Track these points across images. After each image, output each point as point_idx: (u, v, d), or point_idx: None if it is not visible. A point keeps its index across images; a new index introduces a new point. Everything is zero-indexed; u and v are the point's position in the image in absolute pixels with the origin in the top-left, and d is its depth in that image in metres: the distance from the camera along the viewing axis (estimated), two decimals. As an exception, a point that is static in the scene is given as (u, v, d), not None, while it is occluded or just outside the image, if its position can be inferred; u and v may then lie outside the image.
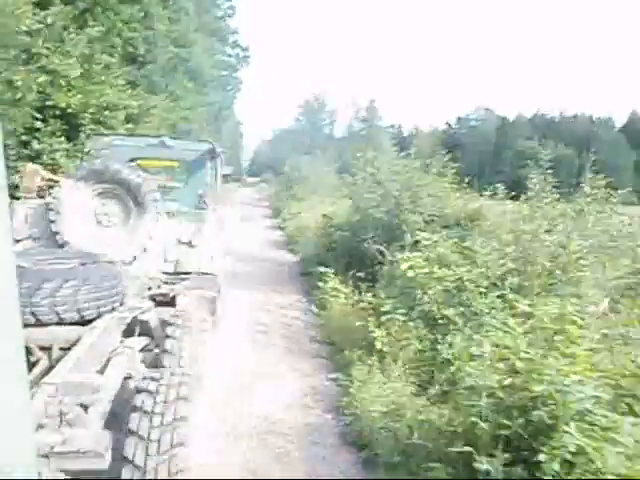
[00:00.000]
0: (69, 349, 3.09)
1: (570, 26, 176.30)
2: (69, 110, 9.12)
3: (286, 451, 3.73)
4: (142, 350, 3.51)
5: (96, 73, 9.94)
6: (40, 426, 2.31)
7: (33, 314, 3.15)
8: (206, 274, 4.90)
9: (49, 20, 6.73)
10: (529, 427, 2.47)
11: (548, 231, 5.96)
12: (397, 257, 5.67)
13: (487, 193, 8.02)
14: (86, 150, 6.34)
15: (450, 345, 4.18)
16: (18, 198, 5.15)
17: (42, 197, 5.18)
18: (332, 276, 7.30)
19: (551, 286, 5.52)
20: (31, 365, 3.03)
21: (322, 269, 7.54)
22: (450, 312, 4.68)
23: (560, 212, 6.86)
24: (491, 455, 2.50)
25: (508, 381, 2.66)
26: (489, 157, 79.10)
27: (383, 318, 5.07)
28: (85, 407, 2.51)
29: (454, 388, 3.33)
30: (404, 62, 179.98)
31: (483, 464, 2.46)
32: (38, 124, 8.67)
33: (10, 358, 0.95)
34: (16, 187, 5.67)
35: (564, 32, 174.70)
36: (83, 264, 3.63)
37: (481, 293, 4.86)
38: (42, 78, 6.77)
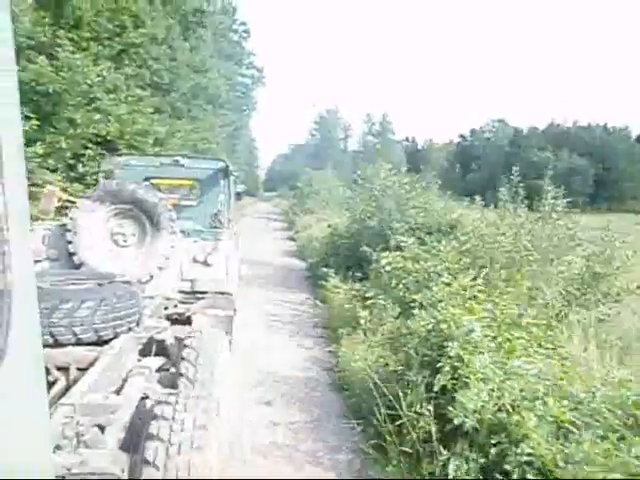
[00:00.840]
0: (86, 369, 3.11)
1: (585, 35, 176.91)
2: (108, 137, 10.80)
3: (290, 392, 5.20)
4: (158, 370, 3.51)
5: (130, 104, 11.62)
6: (57, 447, 2.32)
7: (51, 334, 3.19)
8: (222, 293, 4.98)
9: (104, 73, 8.37)
10: (441, 354, 3.90)
11: (503, 234, 7.39)
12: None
13: (465, 203, 9.46)
14: (101, 170, 6.46)
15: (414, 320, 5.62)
16: (36, 219, 5.33)
17: (59, 219, 5.36)
18: (333, 275, 8.76)
19: (508, 279, 6.95)
20: (49, 385, 3.04)
21: (325, 270, 9.02)
22: (418, 297, 6.10)
23: (522, 220, 8.27)
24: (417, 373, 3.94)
25: (430, 326, 4.11)
26: (502, 168, 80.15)
27: (367, 302, 6.53)
28: (102, 428, 2.54)
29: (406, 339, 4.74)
30: (419, 75, 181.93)
31: (412, 376, 3.91)
32: (82, 151, 10.33)
33: (30, 378, 0.96)
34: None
35: (579, 41, 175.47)
36: (100, 284, 3.68)
37: (444, 283, 6.28)
38: (97, 116, 8.40)
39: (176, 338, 3.75)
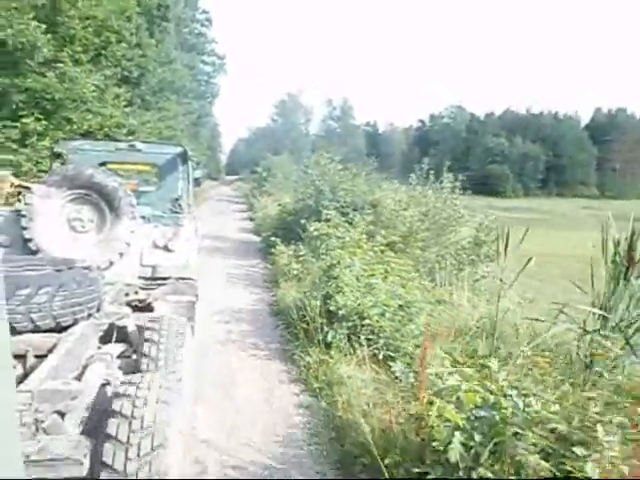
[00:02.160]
0: (45, 357, 3.08)
1: (541, 23, 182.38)
2: (87, 130, 12.92)
3: (242, 317, 7.67)
4: (119, 356, 3.51)
5: (106, 100, 13.72)
6: None
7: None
8: (184, 279, 5.00)
9: (97, 82, 10.55)
10: (331, 277, 6.42)
11: (405, 209, 10.00)
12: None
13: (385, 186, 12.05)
14: (56, 154, 6.31)
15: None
16: None
17: (11, 204, 5.33)
18: (279, 244, 11.23)
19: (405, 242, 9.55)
20: None
21: (274, 239, 11.49)
22: (336, 253, 8.63)
23: (426, 199, 10.87)
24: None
25: (327, 264, 6.65)
26: (459, 154, 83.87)
27: (300, 259, 9.04)
28: (62, 414, 2.54)
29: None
30: (381, 59, 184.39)
31: (315, 294, 6.44)
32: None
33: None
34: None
35: (536, 29, 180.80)
36: (58, 270, 3.63)
37: (338, 237, 8.76)
38: (89, 116, 10.57)
39: (137, 325, 3.76)
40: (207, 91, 37.05)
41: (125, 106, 15.18)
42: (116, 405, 2.39)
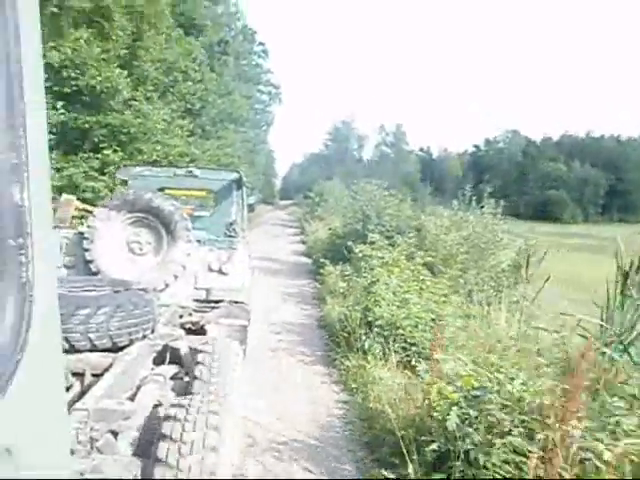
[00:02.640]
0: (101, 375, 3.16)
1: (599, 44, 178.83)
2: (155, 159, 14.26)
3: (292, 329, 8.53)
4: (172, 378, 3.57)
5: (172, 132, 15.10)
6: (71, 452, 2.31)
7: (67, 340, 3.25)
8: (237, 302, 5.11)
9: (165, 116, 11.88)
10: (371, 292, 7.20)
11: (445, 234, 10.68)
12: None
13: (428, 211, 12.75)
14: (117, 181, 6.42)
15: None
16: (53, 227, 5.31)
17: (75, 227, 5.58)
18: (328, 264, 12.08)
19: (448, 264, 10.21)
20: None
21: (323, 260, 12.35)
22: (376, 272, 9.38)
23: (466, 224, 11.50)
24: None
25: (368, 281, 7.44)
26: (515, 178, 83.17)
27: (346, 278, 9.85)
28: (115, 434, 2.62)
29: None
30: (436, 85, 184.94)
31: (356, 308, 7.23)
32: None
33: (52, 383, 1.01)
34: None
35: (593, 50, 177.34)
36: (116, 291, 3.77)
37: (397, 266, 9.54)
38: (158, 147, 11.87)
39: (190, 347, 3.81)
40: (262, 119, 38.91)
41: (188, 136, 16.58)
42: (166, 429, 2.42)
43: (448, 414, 3.40)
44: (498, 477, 3.13)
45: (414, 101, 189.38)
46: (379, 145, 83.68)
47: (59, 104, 8.35)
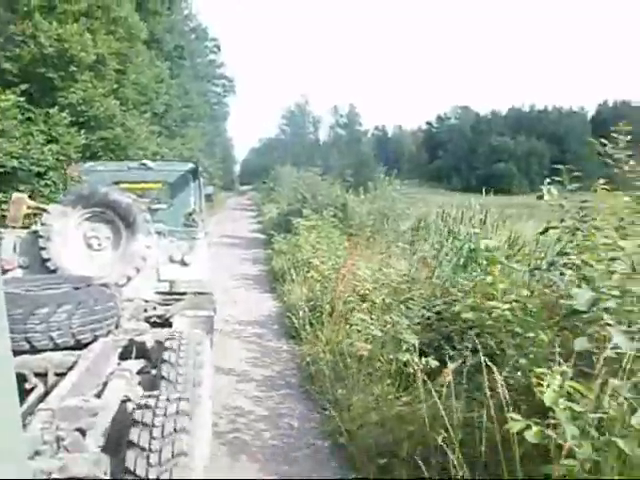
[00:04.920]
0: (65, 374, 3.19)
1: (542, 18, 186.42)
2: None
3: (247, 276, 12.79)
4: (139, 372, 3.58)
5: (147, 138, 18.92)
6: (37, 453, 2.38)
7: (27, 340, 3.26)
8: (202, 293, 5.20)
9: (144, 128, 15.90)
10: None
11: (359, 208, 15.04)
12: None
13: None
14: (70, 177, 6.62)
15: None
16: (5, 227, 5.43)
17: (27, 227, 5.49)
18: (276, 235, 16.32)
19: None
20: (27, 392, 3.18)
21: (272, 232, 16.60)
22: (311, 239, 13.63)
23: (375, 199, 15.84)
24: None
25: (294, 242, 11.71)
26: (466, 154, 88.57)
27: (285, 242, 14.14)
28: (83, 432, 2.62)
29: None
30: (384, 64, 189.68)
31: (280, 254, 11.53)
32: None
33: (1, 385, 1.00)
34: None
35: (535, 25, 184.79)
36: (76, 288, 3.76)
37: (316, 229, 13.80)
38: (141, 152, 15.84)
39: (156, 341, 3.83)
40: (219, 112, 42.64)
41: (156, 137, 20.46)
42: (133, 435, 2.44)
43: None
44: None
45: (370, 80, 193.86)
46: (333, 127, 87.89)
47: (82, 132, 12.17)
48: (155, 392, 2.87)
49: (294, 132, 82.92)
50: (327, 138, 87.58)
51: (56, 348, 3.42)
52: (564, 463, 2.33)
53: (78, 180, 6.53)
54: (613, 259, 3.36)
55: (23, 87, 10.19)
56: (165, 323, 4.63)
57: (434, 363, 4.31)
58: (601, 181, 3.98)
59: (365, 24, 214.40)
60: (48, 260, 4.85)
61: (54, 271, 4.80)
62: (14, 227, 5.40)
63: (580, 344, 2.80)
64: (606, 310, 2.90)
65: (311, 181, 17.70)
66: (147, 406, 2.55)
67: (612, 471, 2.32)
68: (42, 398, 3.02)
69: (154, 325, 4.54)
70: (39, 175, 10.59)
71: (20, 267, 5.05)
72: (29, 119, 10.67)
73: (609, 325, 2.78)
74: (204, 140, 32.07)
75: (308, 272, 9.84)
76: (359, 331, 5.69)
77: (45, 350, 3.39)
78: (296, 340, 7.42)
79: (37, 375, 3.32)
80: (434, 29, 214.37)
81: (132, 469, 2.34)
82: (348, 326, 6.24)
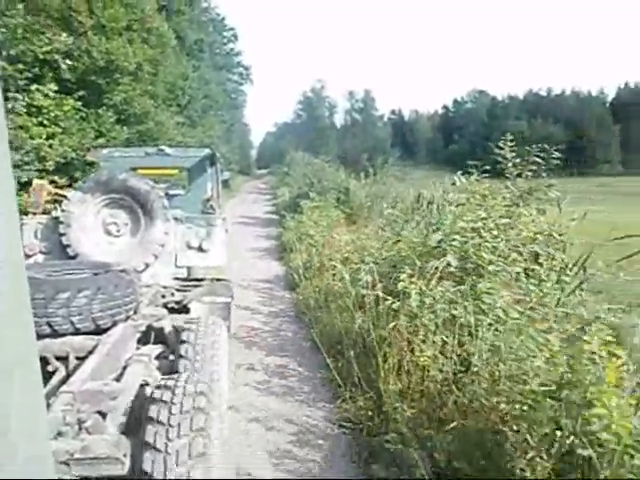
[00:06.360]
0: (85, 358, 3.33)
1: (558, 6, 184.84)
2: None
3: (260, 248, 15.49)
4: (157, 357, 3.74)
5: (175, 128, 21.58)
6: (59, 434, 2.52)
7: (49, 324, 3.40)
8: (219, 280, 5.38)
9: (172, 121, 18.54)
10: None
11: (362, 189, 17.55)
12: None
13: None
14: (87, 162, 6.47)
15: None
16: (26, 213, 5.59)
17: (48, 212, 5.63)
18: (287, 215, 18.94)
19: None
20: (49, 375, 3.32)
21: (284, 213, 19.23)
22: (313, 217, 16.22)
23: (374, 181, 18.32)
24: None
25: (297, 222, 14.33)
26: (481, 138, 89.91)
27: (294, 220, 16.79)
28: (103, 414, 2.77)
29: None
30: (401, 48, 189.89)
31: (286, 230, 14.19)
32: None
33: (25, 368, 1.02)
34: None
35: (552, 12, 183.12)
36: (96, 274, 3.92)
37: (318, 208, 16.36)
38: (168, 142, 18.50)
39: (174, 326, 4.02)
40: (237, 101, 45.23)
41: (181, 128, 23.13)
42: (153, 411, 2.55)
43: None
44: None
45: (387, 64, 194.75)
46: (349, 111, 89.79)
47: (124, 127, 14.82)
48: (174, 375, 3.01)
49: (310, 116, 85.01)
50: (343, 122, 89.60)
51: (77, 332, 3.57)
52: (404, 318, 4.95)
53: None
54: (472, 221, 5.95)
55: (80, 93, 12.84)
56: (183, 309, 4.87)
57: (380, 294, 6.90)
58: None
59: (382, 8, 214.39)
60: (68, 246, 5.05)
61: (74, 257, 4.99)
62: (35, 213, 5.58)
63: (431, 265, 5.40)
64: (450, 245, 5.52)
65: (318, 167, 20.31)
66: (166, 387, 2.70)
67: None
68: (64, 381, 3.14)
69: (172, 311, 4.70)
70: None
71: (41, 252, 5.25)
72: (83, 118, 13.32)
73: (446, 251, 5.39)
74: (222, 127, 34.71)
75: (308, 242, 12.46)
76: (334, 275, 8.29)
77: (66, 334, 3.54)
78: (296, 290, 10.06)
79: (58, 359, 3.46)
80: (452, 12, 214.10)
81: (151, 443, 2.47)
82: (331, 275, 8.84)
